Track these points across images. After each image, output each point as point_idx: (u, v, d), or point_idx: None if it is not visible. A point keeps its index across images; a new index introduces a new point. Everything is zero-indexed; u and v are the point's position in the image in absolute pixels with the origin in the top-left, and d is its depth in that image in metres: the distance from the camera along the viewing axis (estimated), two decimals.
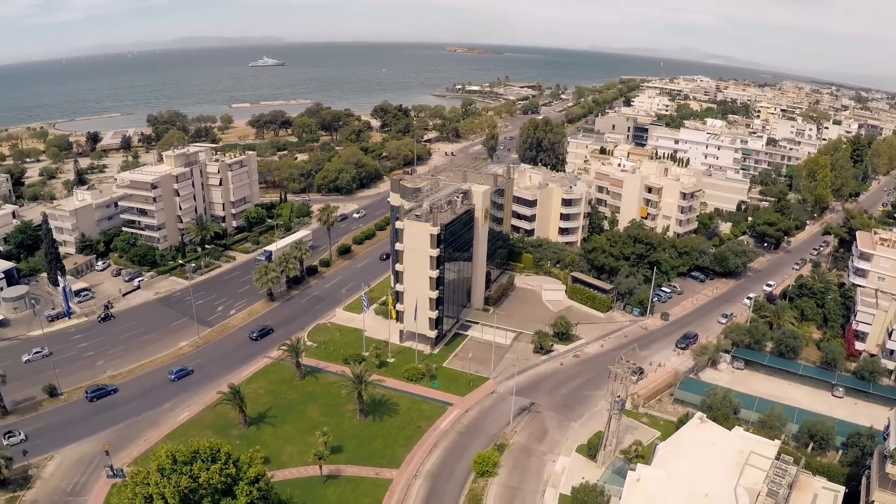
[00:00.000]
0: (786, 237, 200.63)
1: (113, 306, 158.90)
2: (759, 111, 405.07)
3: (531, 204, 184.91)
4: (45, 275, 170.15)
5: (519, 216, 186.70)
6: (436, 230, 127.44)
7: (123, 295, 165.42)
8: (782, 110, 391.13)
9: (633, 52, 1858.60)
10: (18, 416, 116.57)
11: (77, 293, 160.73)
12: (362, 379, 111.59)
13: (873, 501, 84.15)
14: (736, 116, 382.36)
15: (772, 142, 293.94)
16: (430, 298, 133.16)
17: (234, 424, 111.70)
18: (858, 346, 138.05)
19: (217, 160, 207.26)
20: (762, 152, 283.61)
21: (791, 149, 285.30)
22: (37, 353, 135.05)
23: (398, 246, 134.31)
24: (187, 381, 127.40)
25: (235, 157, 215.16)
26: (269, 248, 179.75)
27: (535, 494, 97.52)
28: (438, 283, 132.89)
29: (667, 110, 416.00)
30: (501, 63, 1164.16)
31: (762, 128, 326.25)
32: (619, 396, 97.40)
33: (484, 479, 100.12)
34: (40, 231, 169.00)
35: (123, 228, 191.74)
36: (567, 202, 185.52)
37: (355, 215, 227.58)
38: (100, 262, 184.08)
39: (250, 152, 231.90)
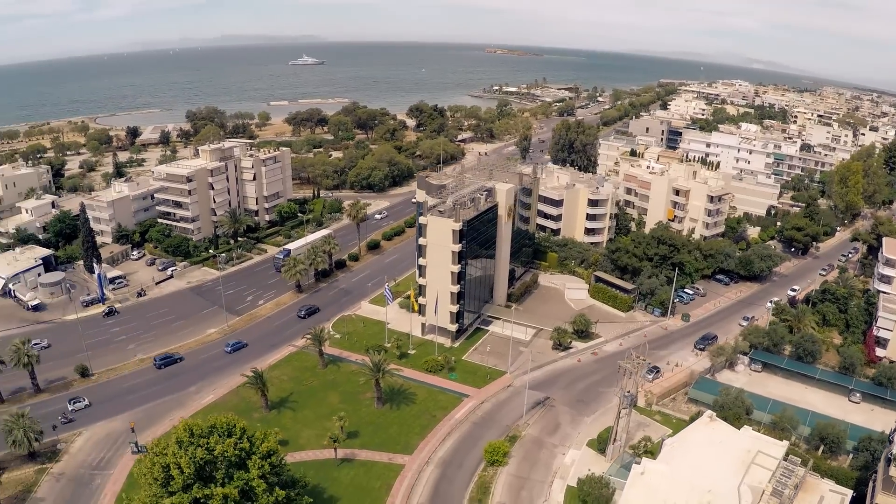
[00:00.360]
0: (814, 243, 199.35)
1: (145, 294, 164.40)
2: (795, 116, 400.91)
3: (557, 204, 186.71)
4: (81, 262, 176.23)
5: (545, 216, 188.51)
6: (458, 226, 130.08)
7: (156, 283, 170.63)
8: (819, 116, 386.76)
9: (674, 56, 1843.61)
10: (50, 394, 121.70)
11: (112, 280, 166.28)
12: (380, 367, 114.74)
13: None
14: (772, 121, 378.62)
15: (807, 147, 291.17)
16: (452, 292, 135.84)
17: (256, 408, 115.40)
18: (879, 352, 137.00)
19: (251, 155, 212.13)
20: (795, 157, 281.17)
21: (826, 154, 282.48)
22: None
23: (421, 241, 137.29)
24: (213, 366, 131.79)
25: (269, 153, 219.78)
26: (287, 246, 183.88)
27: (543, 485, 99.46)
28: (460, 277, 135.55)
29: (703, 114, 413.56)
30: (541, 65, 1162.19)
31: (798, 133, 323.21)
32: (628, 391, 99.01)
33: (494, 468, 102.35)
34: (78, 220, 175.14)
35: (159, 220, 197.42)
36: (593, 202, 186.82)
37: (377, 216, 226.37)
38: (135, 252, 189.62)
39: (284, 148, 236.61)
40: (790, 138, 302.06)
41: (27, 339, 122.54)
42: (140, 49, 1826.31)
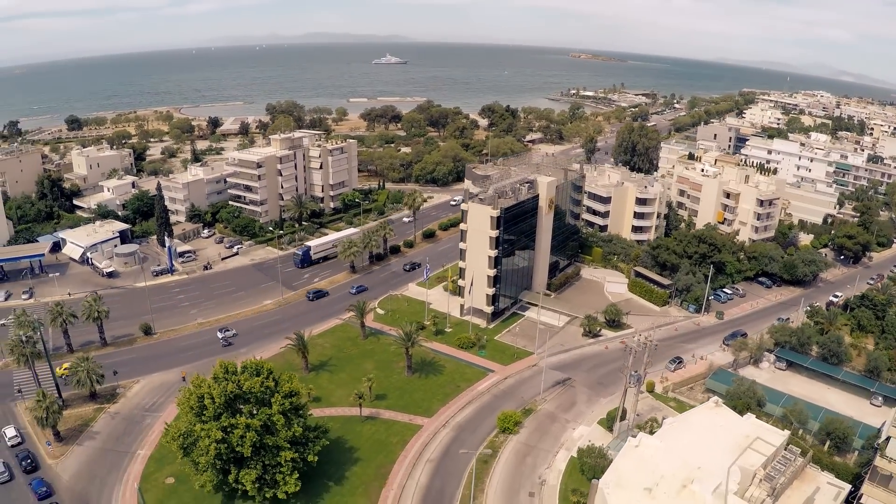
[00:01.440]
0: (866, 252, 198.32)
1: (211, 267, 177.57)
2: (872, 128, 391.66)
3: (605, 200, 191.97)
4: (155, 237, 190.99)
5: (594, 212, 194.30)
6: (495, 213, 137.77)
7: (222, 259, 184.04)
8: (895, 129, 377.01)
9: (761, 66, 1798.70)
10: (115, 347, 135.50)
11: (181, 254, 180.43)
12: (410, 338, 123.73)
13: (861, 494, 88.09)
14: (847, 133, 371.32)
15: (876, 159, 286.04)
16: (488, 276, 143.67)
17: (297, 368, 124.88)
18: None
19: (319, 146, 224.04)
20: (862, 168, 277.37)
21: (895, 167, 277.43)
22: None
23: (462, 226, 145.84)
24: (264, 331, 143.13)
25: (337, 144, 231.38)
26: (308, 243, 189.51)
27: (549, 454, 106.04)
28: (496, 262, 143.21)
29: (777, 123, 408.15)
30: (624, 70, 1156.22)
31: (872, 145, 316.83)
32: (634, 371, 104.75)
33: (505, 435, 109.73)
34: (155, 199, 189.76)
35: (230, 202, 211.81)
36: (641, 201, 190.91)
37: (405, 219, 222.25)
38: (206, 230, 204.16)
39: (351, 140, 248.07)
40: (862, 149, 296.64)
41: (98, 296, 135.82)
42: (228, 44, 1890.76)
